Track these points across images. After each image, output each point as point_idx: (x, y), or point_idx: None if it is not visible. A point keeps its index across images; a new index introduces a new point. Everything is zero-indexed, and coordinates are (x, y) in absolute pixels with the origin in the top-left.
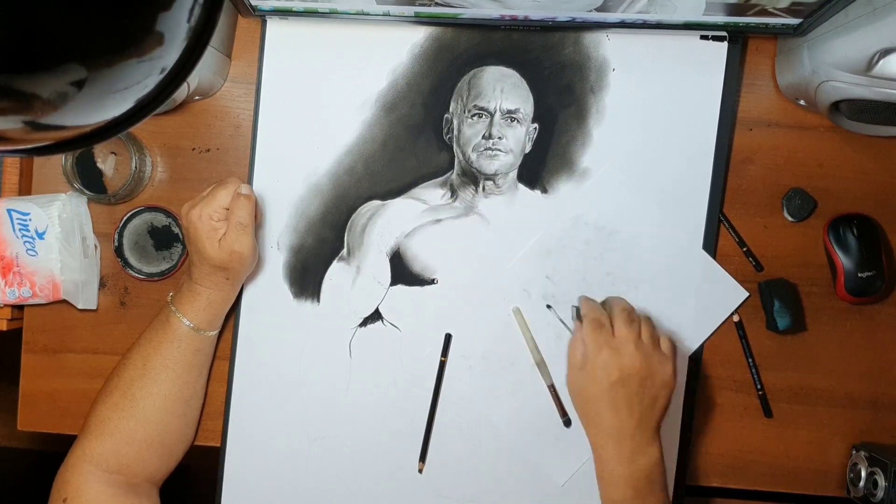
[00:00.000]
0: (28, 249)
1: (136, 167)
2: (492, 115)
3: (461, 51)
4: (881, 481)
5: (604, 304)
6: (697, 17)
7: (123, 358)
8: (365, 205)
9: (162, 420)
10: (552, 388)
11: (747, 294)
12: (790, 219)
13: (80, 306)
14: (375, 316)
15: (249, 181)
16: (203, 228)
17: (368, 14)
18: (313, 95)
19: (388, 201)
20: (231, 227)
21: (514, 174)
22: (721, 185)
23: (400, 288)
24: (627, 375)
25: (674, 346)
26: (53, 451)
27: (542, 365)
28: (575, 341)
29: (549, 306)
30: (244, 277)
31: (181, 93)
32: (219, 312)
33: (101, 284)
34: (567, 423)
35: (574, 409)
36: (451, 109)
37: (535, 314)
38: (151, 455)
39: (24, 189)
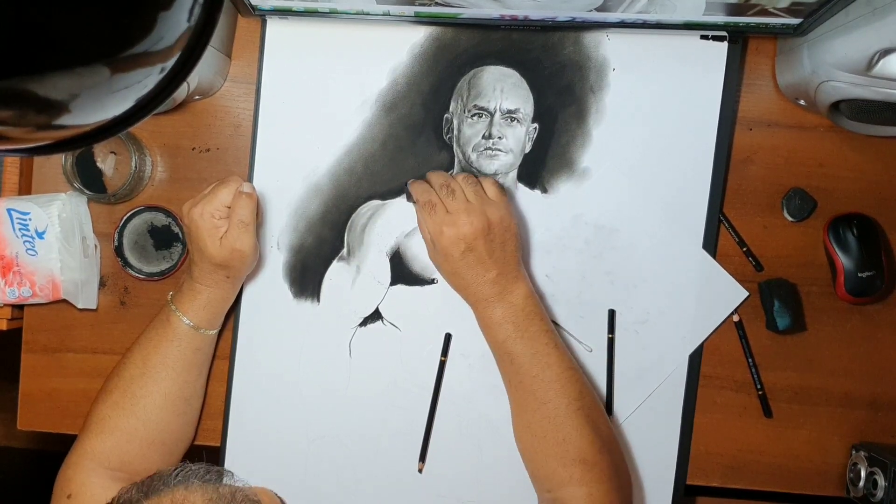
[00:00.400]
0: (28, 249)
1: (135, 167)
2: (492, 115)
3: (461, 51)
4: (881, 481)
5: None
6: (697, 16)
7: (123, 357)
8: (365, 204)
9: (162, 418)
10: None
11: (747, 294)
12: (790, 219)
13: (79, 306)
14: (375, 315)
15: (249, 181)
16: (204, 226)
17: (368, 14)
18: (313, 95)
19: (389, 201)
20: (232, 225)
21: (513, 174)
22: (721, 185)
23: (400, 287)
24: (472, 241)
25: (499, 187)
26: (53, 450)
27: None
28: (420, 224)
29: None
30: (244, 276)
31: (181, 92)
32: (219, 311)
33: (101, 284)
34: None
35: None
36: (450, 109)
37: None
38: (152, 453)
39: (24, 188)
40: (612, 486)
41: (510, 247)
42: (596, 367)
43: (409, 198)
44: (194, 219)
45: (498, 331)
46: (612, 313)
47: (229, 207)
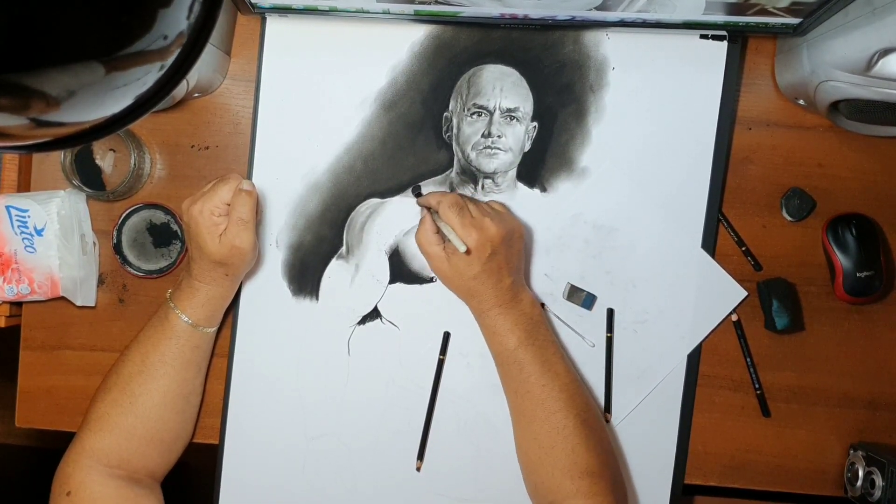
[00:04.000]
0: (27, 246)
1: (134, 164)
2: (491, 114)
3: (461, 49)
4: (878, 481)
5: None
6: (697, 16)
7: (122, 354)
8: (364, 203)
9: (161, 416)
10: None
11: (746, 293)
12: (789, 218)
13: (78, 303)
14: (374, 314)
15: (249, 179)
16: (204, 223)
17: (368, 12)
18: (313, 93)
19: (388, 199)
20: (232, 222)
21: (513, 173)
22: (720, 185)
23: (399, 286)
24: (497, 245)
25: (504, 205)
26: (52, 448)
27: None
28: (425, 232)
29: (542, 305)
30: (243, 274)
31: (180, 90)
32: (217, 309)
33: (100, 281)
34: None
35: (449, 288)
36: (450, 108)
37: None
38: (151, 451)
39: (23, 186)
40: (615, 498)
41: (522, 254)
42: (594, 367)
43: (416, 191)
44: (194, 216)
45: (509, 337)
46: (610, 312)
47: (229, 205)
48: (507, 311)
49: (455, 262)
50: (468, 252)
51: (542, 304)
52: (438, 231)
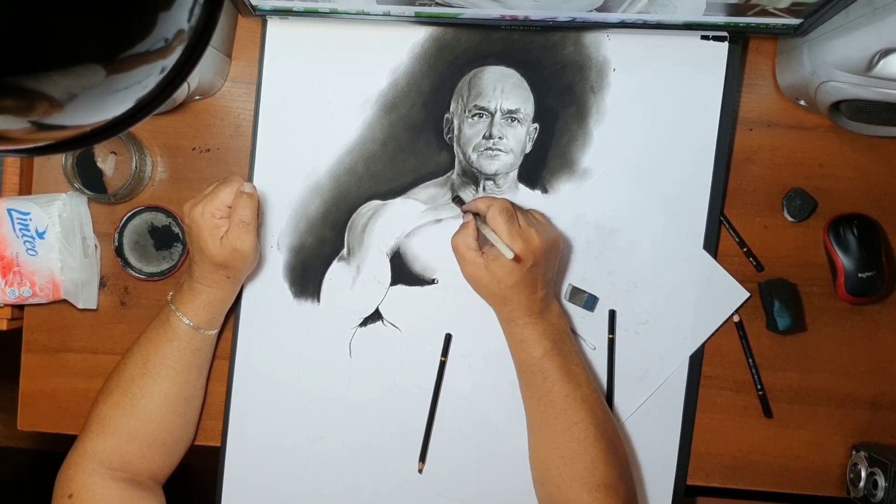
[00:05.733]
0: (28, 249)
1: (136, 167)
2: (492, 115)
3: (461, 51)
4: (881, 481)
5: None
6: (698, 17)
7: (124, 357)
8: (365, 204)
9: (162, 418)
10: None
11: (748, 294)
12: (790, 219)
13: (80, 306)
14: (375, 316)
15: (250, 181)
16: (205, 226)
17: (369, 14)
18: (314, 95)
19: (389, 201)
20: (233, 224)
21: (514, 174)
22: (722, 185)
23: (400, 288)
24: (538, 257)
25: (542, 213)
26: (54, 450)
27: None
28: (466, 236)
29: None
30: (245, 276)
31: (181, 93)
32: (219, 311)
33: (102, 284)
34: None
35: (480, 293)
36: (451, 109)
37: None
38: (153, 453)
39: (25, 189)
40: None
41: (556, 267)
42: (597, 368)
43: (457, 202)
44: (195, 218)
45: (536, 346)
46: (612, 314)
47: (230, 207)
48: (536, 322)
49: (493, 269)
50: (516, 259)
51: None
52: (478, 237)
